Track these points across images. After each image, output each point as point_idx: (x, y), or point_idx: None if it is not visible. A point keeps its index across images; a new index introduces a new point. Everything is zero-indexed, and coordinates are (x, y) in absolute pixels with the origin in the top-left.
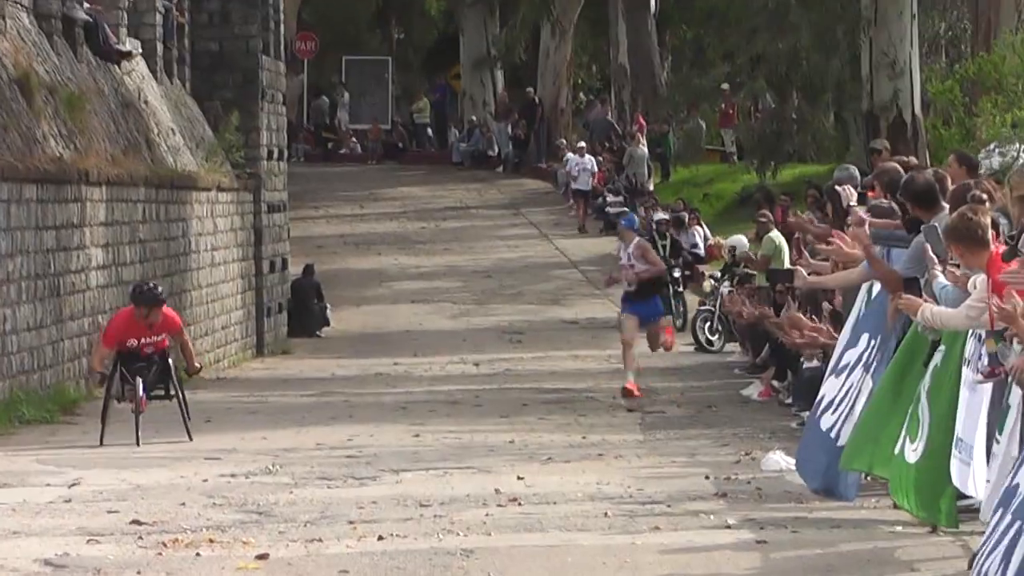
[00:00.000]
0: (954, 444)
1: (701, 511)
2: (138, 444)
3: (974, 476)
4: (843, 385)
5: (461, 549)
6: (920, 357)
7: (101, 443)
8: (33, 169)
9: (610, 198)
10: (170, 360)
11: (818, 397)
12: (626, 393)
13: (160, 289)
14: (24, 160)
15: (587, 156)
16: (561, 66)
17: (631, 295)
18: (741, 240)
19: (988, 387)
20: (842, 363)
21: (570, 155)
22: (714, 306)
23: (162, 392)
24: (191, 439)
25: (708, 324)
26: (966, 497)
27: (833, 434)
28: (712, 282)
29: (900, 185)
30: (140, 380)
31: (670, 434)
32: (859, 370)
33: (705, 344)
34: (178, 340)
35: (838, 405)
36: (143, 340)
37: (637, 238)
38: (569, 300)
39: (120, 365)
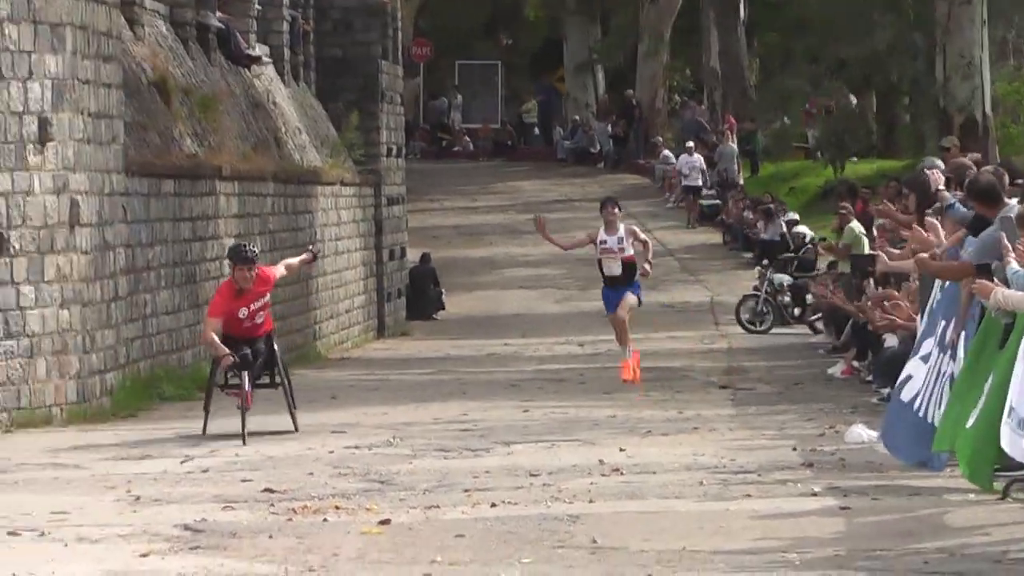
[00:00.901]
0: (1006, 412)
1: (789, 480)
2: (244, 443)
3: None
4: (927, 367)
5: (567, 515)
6: (994, 341)
7: (204, 433)
8: (170, 165)
9: (704, 191)
10: (275, 346)
11: (903, 377)
12: (623, 372)
13: (253, 249)
14: (162, 157)
15: (695, 155)
16: (657, 70)
17: (612, 280)
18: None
19: None
20: (923, 350)
21: (682, 155)
22: (761, 291)
23: (267, 381)
24: (296, 429)
25: (754, 307)
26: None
27: (921, 413)
28: (760, 268)
29: (968, 185)
30: (246, 374)
31: (759, 409)
32: (937, 353)
33: (747, 325)
34: (286, 275)
35: (924, 385)
36: (252, 307)
37: (624, 224)
38: (665, 286)
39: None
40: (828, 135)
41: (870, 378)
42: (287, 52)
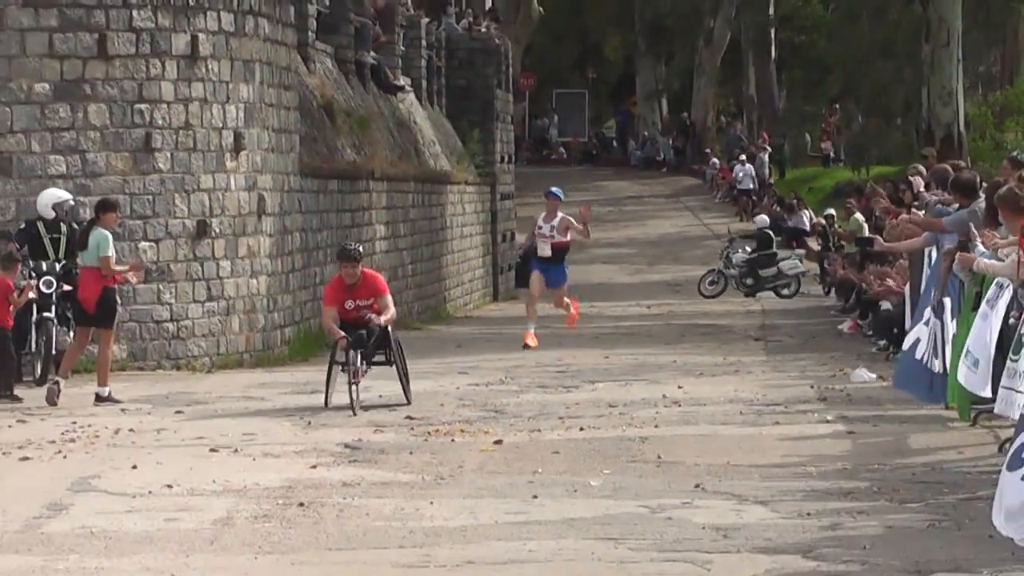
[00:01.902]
0: (963, 354)
1: (807, 410)
2: (354, 413)
3: (982, 380)
4: (928, 329)
5: (638, 437)
6: (969, 306)
7: (326, 406)
8: (334, 169)
9: (738, 184)
10: (389, 328)
11: (912, 341)
12: (525, 346)
13: (357, 248)
14: (328, 163)
15: (747, 165)
16: (708, 97)
17: (543, 260)
18: (763, 219)
19: (998, 315)
20: (924, 317)
21: (737, 166)
22: (722, 266)
23: (383, 359)
24: (409, 402)
25: (709, 280)
26: (985, 401)
27: (925, 362)
28: (723, 248)
29: (949, 180)
30: (357, 353)
31: (786, 357)
32: (932, 316)
33: (703, 294)
34: (381, 301)
35: (927, 343)
36: (357, 302)
37: (561, 214)
38: (714, 261)
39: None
40: (850, 147)
41: (870, 332)
42: (424, 83)
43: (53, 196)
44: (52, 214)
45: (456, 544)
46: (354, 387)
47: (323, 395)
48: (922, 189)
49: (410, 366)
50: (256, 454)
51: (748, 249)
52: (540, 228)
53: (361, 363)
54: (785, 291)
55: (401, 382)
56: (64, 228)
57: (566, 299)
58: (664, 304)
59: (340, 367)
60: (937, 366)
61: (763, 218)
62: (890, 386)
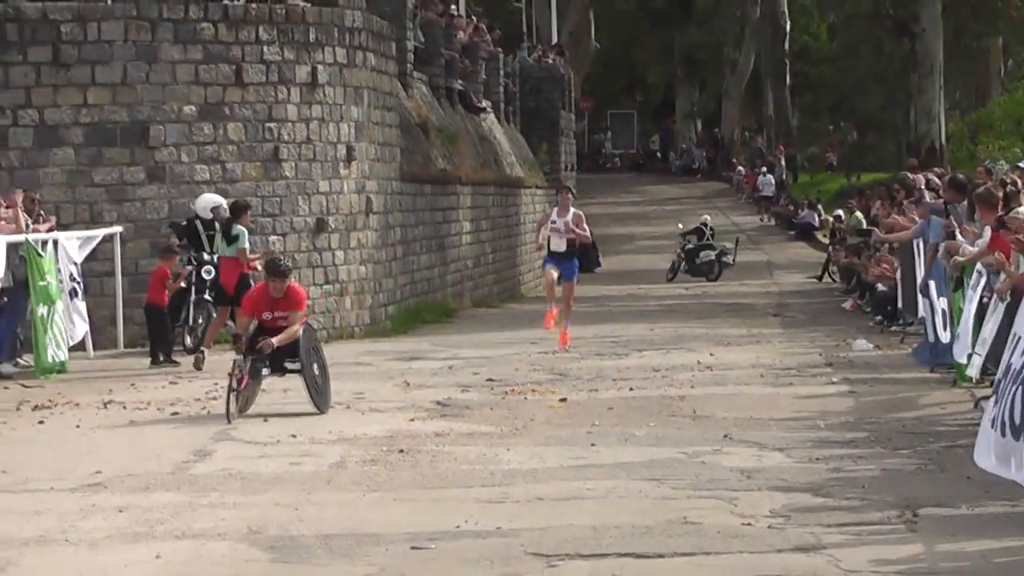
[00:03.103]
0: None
1: (817, 374)
2: (229, 421)
3: (961, 349)
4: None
5: (678, 395)
6: (952, 287)
7: (229, 422)
8: (428, 175)
9: (760, 192)
10: (300, 336)
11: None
12: (546, 325)
13: (287, 264)
14: (423, 170)
15: (769, 175)
16: (734, 115)
17: (558, 254)
18: (705, 217)
19: (976, 296)
20: (931, 290)
21: (760, 176)
22: (678, 256)
23: (296, 368)
24: (320, 411)
25: (670, 266)
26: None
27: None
28: (679, 240)
29: (947, 181)
30: (247, 359)
31: (798, 330)
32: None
33: (667, 277)
34: (292, 316)
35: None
36: (275, 313)
37: (574, 209)
38: (743, 251)
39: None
40: (843, 158)
41: (868, 310)
42: (502, 105)
43: (211, 200)
44: (209, 215)
45: (528, 484)
46: (234, 394)
47: (418, 359)
48: (922, 186)
49: (492, 338)
50: (364, 409)
51: (692, 241)
52: (554, 223)
53: (264, 370)
54: (709, 276)
55: (309, 392)
56: (217, 226)
57: (563, 326)
58: (698, 286)
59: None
60: (931, 335)
61: (705, 217)
62: (886, 353)
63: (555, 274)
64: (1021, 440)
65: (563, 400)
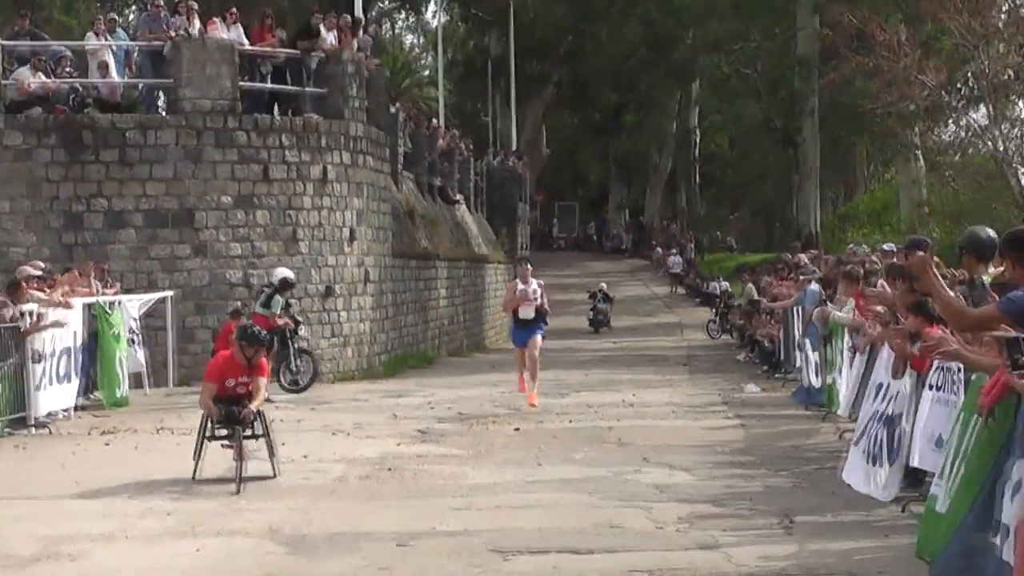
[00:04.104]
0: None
1: (716, 411)
2: (238, 491)
3: (842, 394)
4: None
5: (607, 427)
6: (821, 343)
7: (194, 479)
8: (413, 253)
9: (671, 269)
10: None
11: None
12: (531, 405)
13: (263, 334)
14: (410, 249)
15: (678, 256)
16: (655, 206)
17: (525, 321)
18: (601, 284)
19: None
20: (806, 346)
21: (670, 257)
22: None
23: (250, 434)
24: (275, 475)
25: (589, 319)
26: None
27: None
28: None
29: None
30: (238, 428)
31: (702, 376)
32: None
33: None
34: (260, 381)
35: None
36: (240, 379)
37: (533, 280)
38: (658, 313)
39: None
40: (739, 240)
41: (757, 361)
42: (472, 197)
43: (282, 272)
44: (276, 283)
45: (489, 495)
46: (241, 463)
47: (404, 397)
48: (805, 262)
49: (462, 380)
50: (362, 436)
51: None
52: (523, 291)
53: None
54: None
55: (270, 456)
56: (268, 290)
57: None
58: (626, 342)
59: (208, 440)
60: (805, 381)
61: (602, 284)
62: (770, 395)
63: (523, 352)
64: (878, 466)
65: (517, 429)
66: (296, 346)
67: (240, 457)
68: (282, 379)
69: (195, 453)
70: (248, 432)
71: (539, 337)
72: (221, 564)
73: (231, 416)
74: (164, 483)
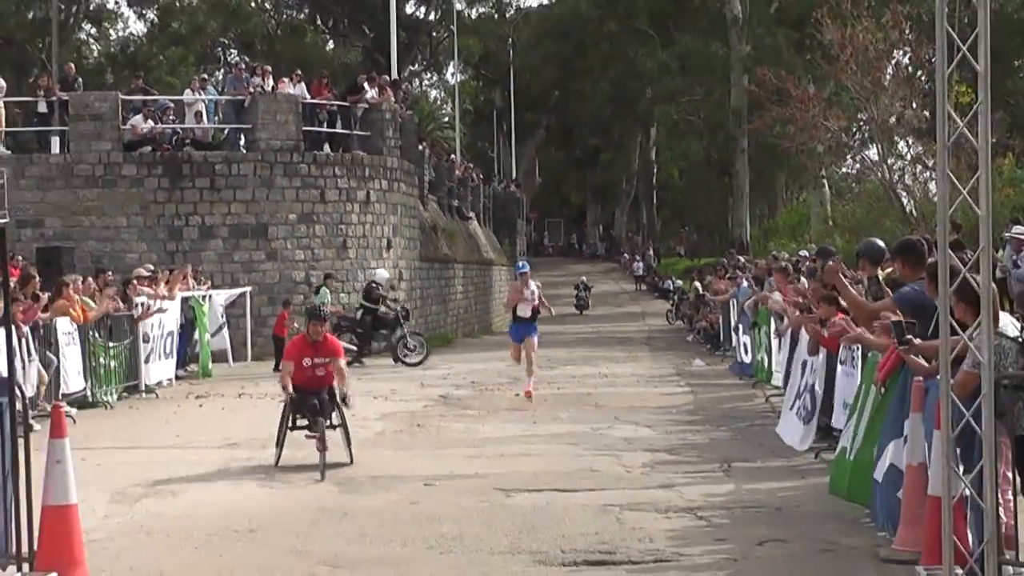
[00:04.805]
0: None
1: (671, 380)
2: (322, 478)
3: (775, 369)
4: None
5: (587, 393)
6: (751, 327)
7: (276, 464)
8: (436, 257)
9: (635, 272)
10: (336, 395)
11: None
12: (527, 394)
13: (326, 310)
14: (434, 254)
15: (639, 262)
16: (623, 223)
17: (525, 319)
18: (583, 278)
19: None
20: (740, 330)
21: (635, 262)
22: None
23: (331, 424)
24: (351, 462)
25: (575, 304)
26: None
27: (740, 357)
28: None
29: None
30: (321, 420)
31: (660, 353)
32: (734, 335)
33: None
34: (337, 363)
35: (738, 346)
36: (316, 359)
37: (532, 284)
38: (626, 305)
39: (299, 403)
40: (688, 248)
41: (702, 341)
42: (482, 215)
43: (381, 274)
44: (377, 280)
45: (495, 445)
46: (323, 453)
47: (431, 369)
48: (737, 266)
49: (475, 356)
50: (396, 399)
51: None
52: (523, 293)
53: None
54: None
55: (347, 445)
56: (381, 289)
57: (534, 376)
58: (600, 327)
59: (290, 430)
60: (739, 358)
61: (582, 277)
62: (713, 367)
63: (519, 351)
64: (807, 425)
65: (517, 395)
66: (407, 329)
67: (323, 447)
68: (400, 356)
69: (277, 442)
70: (328, 423)
71: (535, 339)
72: (288, 497)
73: (313, 409)
74: (244, 437)
